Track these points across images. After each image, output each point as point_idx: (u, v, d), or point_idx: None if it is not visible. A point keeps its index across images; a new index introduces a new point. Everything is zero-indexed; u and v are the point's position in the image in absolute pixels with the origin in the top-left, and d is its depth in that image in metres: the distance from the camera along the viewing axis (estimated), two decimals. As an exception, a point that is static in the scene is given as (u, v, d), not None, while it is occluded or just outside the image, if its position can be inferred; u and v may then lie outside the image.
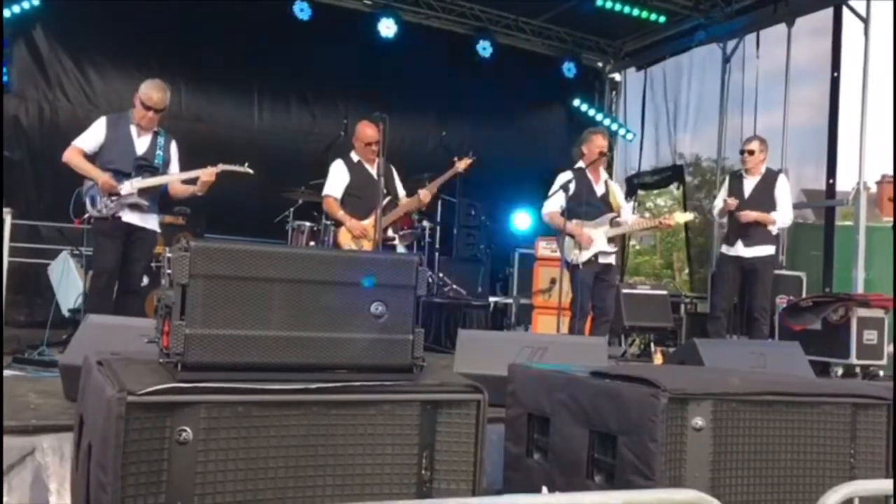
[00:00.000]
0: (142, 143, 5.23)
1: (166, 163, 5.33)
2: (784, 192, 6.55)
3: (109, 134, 5.15)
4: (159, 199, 5.43)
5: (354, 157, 6.07)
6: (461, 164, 6.23)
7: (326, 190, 6.05)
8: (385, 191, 5.86)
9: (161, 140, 5.30)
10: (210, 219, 8.22)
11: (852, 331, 6.47)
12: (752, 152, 6.54)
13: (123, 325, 3.82)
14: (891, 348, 6.55)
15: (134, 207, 5.14)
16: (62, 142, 5.38)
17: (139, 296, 5.41)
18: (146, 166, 5.19)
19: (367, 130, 5.98)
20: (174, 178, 5.30)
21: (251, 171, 5.51)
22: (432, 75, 10.24)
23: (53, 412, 3.29)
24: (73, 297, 6.09)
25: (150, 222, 5.31)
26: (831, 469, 2.55)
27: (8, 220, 5.54)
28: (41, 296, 7.16)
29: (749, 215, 6.43)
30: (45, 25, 8.39)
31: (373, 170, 5.97)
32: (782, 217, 6.49)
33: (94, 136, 5.16)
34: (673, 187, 12.16)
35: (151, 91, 5.17)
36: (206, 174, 5.23)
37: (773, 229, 6.47)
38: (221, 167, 5.34)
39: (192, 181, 5.28)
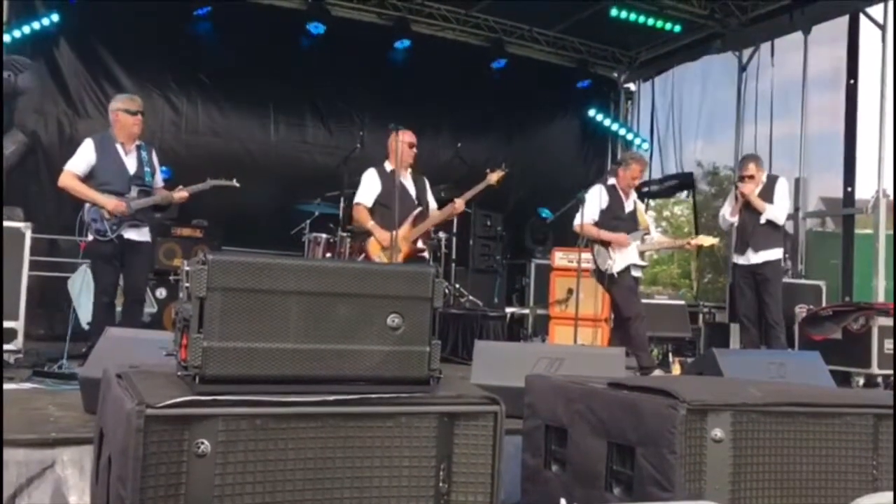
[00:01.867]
0: (130, 161, 5.43)
1: (153, 175, 5.56)
2: (781, 191, 6.63)
3: (99, 155, 5.32)
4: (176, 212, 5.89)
5: (388, 166, 6.01)
6: (493, 177, 6.09)
7: (357, 198, 6.00)
8: (417, 202, 5.95)
9: (144, 155, 5.50)
10: (227, 231, 8.28)
11: (873, 340, 6.41)
12: (752, 177, 6.57)
13: (142, 337, 3.84)
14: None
15: (133, 225, 5.35)
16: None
17: (140, 304, 5.68)
18: (140, 184, 5.40)
19: (405, 136, 5.94)
20: (168, 196, 5.49)
21: (238, 184, 5.70)
22: (447, 87, 10.27)
23: (73, 425, 3.31)
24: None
25: (145, 235, 5.53)
26: (854, 481, 2.52)
27: (28, 234, 5.61)
28: (60, 309, 7.22)
29: (749, 191, 6.48)
30: (65, 41, 8.50)
31: (406, 181, 5.98)
32: (775, 210, 6.52)
33: (85, 158, 5.31)
34: (682, 195, 12.07)
35: (129, 99, 5.50)
36: (195, 189, 5.55)
37: (762, 219, 6.50)
38: (210, 183, 5.61)
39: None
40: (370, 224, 5.85)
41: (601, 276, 6.23)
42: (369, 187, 5.96)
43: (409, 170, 6.03)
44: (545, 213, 10.22)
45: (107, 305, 5.31)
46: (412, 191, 5.99)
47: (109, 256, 5.29)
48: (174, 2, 8.71)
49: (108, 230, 5.21)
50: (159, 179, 5.62)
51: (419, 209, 5.91)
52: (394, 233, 5.58)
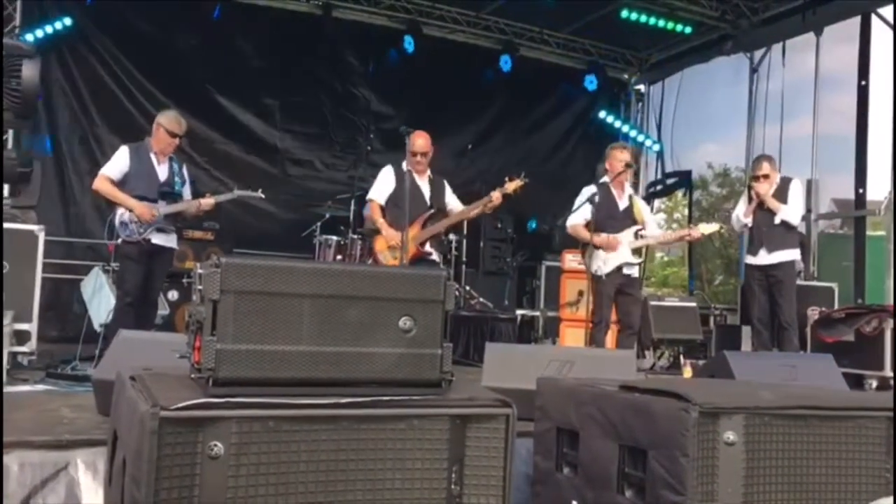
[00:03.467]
0: (162, 171, 5.68)
1: (182, 185, 5.81)
2: (796, 193, 6.59)
3: (133, 163, 5.57)
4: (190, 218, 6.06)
5: (405, 166, 5.95)
6: (510, 186, 5.89)
7: (371, 194, 6.08)
8: (429, 203, 5.94)
9: (176, 166, 5.77)
10: (238, 234, 8.32)
11: (886, 342, 6.37)
12: (766, 176, 6.55)
13: (155, 340, 3.87)
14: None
15: (160, 230, 5.60)
16: (92, 158, 5.57)
17: (155, 307, 5.91)
18: (169, 192, 5.66)
19: (417, 140, 5.91)
20: (196, 203, 5.75)
21: (263, 195, 6.01)
22: (457, 89, 10.29)
23: (87, 427, 3.32)
24: (105, 312, 6.16)
25: (172, 241, 5.79)
26: (867, 484, 2.51)
27: (41, 236, 5.66)
28: (73, 311, 7.26)
29: (762, 191, 6.47)
30: (77, 45, 8.54)
31: (422, 182, 6.00)
32: (790, 211, 6.50)
33: (119, 164, 5.57)
34: (681, 193, 12.06)
35: (175, 121, 5.67)
36: (222, 199, 5.90)
37: (777, 219, 6.48)
38: (237, 193, 5.97)
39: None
40: (380, 221, 5.91)
41: (591, 274, 6.14)
42: (383, 184, 6.00)
43: (427, 171, 6.05)
44: (533, 225, 10.18)
45: (129, 306, 5.47)
46: (426, 192, 5.99)
47: (136, 258, 5.50)
48: (185, 8, 8.76)
49: (135, 233, 5.45)
50: (188, 191, 5.85)
51: (431, 211, 5.90)
52: (404, 233, 5.55)
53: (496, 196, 5.85)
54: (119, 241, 5.52)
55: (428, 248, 5.92)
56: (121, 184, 5.52)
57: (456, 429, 2.32)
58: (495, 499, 2.35)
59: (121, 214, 5.49)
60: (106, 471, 2.72)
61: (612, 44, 11.12)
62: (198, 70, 9.10)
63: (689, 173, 10.99)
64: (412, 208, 5.65)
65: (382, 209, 5.96)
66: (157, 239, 5.57)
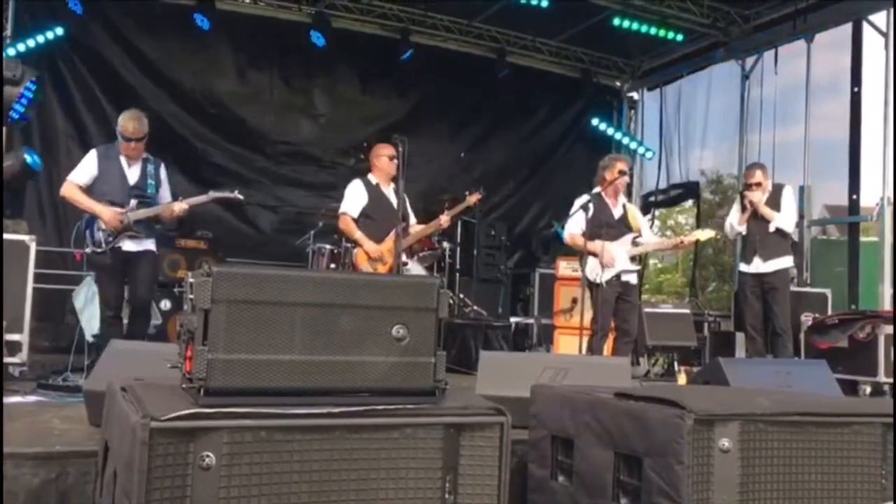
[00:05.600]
0: (133, 173, 5.35)
1: (157, 188, 5.43)
2: (788, 200, 6.62)
3: (101, 166, 5.27)
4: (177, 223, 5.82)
5: (373, 179, 6.11)
6: (471, 199, 6.21)
7: (343, 208, 6.06)
8: (399, 214, 5.88)
9: (150, 167, 5.41)
10: (231, 242, 8.29)
11: (880, 348, 6.40)
12: (759, 184, 6.56)
13: (146, 350, 3.85)
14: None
15: (131, 236, 5.26)
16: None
17: (147, 316, 5.56)
18: (140, 196, 5.30)
19: (386, 150, 6.04)
20: (168, 208, 5.35)
21: (241, 196, 5.66)
22: (450, 97, 10.31)
23: (78, 438, 3.29)
24: (97, 323, 6.13)
25: (147, 245, 5.39)
26: (862, 490, 2.50)
27: (33, 246, 5.60)
28: (65, 321, 7.22)
29: (756, 199, 6.48)
30: (69, 54, 8.52)
31: (390, 193, 6.03)
32: (783, 218, 6.52)
33: (87, 169, 5.28)
34: (688, 204, 12.07)
35: (126, 122, 5.26)
36: (196, 202, 5.46)
37: (771, 227, 6.50)
38: (212, 195, 5.57)
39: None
40: (357, 235, 5.94)
41: (588, 282, 6.13)
42: (355, 198, 6.02)
43: (392, 183, 6.06)
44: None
45: (111, 319, 5.26)
46: (394, 203, 5.93)
47: (110, 268, 5.24)
48: (176, 15, 8.76)
49: (102, 241, 5.17)
50: (165, 193, 5.50)
51: (403, 224, 5.79)
52: (396, 242, 5.54)
53: (444, 220, 6.10)
54: (88, 250, 5.22)
55: (404, 257, 5.91)
56: (90, 189, 5.24)
57: (450, 437, 2.30)
58: (490, 508, 2.33)
59: (87, 221, 5.21)
60: (97, 482, 2.70)
61: (604, 51, 11.15)
62: (190, 78, 9.09)
63: (696, 184, 11.00)
64: (386, 220, 5.74)
65: (356, 222, 5.98)
66: (129, 246, 5.25)
